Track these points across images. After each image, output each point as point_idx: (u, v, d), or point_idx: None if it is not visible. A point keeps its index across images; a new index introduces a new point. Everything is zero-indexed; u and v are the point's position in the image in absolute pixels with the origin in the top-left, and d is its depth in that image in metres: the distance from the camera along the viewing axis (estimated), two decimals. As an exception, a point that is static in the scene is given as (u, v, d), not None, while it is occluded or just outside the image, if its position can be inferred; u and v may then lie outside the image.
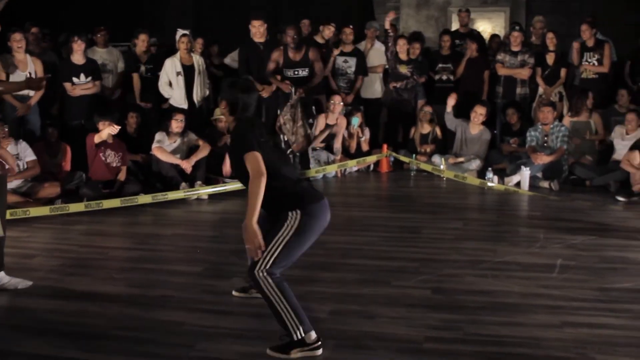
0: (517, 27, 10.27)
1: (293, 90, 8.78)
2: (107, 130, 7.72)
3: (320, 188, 8.66)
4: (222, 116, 8.86)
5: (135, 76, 9.39)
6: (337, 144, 9.59)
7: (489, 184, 8.48)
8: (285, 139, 8.79)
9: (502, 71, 9.95)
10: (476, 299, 4.60)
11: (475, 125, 9.49)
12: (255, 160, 3.69)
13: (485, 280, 5.00)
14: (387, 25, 9.86)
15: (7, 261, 5.49)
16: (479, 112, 9.41)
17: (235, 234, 6.50)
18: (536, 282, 4.95)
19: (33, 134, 8.45)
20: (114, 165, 7.93)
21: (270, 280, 3.64)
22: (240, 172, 3.87)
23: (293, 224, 3.72)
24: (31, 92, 8.37)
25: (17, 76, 8.22)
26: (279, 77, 8.97)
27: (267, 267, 3.65)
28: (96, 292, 4.84)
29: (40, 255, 5.81)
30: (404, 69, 9.88)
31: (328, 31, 10.03)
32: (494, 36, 11.31)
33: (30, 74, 8.07)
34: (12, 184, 7.40)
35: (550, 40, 9.74)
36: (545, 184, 8.47)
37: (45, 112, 8.84)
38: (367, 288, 4.83)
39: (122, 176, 7.95)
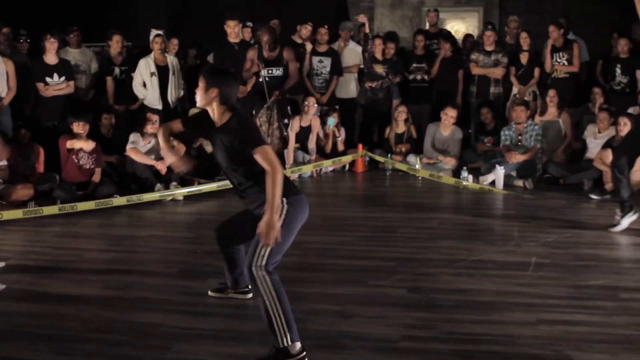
0: (490, 27, 10.34)
1: (264, 72, 8.70)
2: (81, 144, 7.66)
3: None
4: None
5: (109, 79, 9.31)
6: (312, 144, 9.60)
7: (464, 183, 8.53)
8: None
9: (475, 70, 10.02)
10: (452, 298, 4.63)
11: (446, 126, 9.51)
12: (268, 154, 3.63)
13: (461, 279, 5.02)
14: (367, 29, 9.89)
15: (-20, 264, 5.45)
16: (450, 115, 9.43)
17: (211, 235, 6.51)
18: (511, 280, 4.98)
19: (5, 136, 8.33)
20: (88, 167, 7.86)
21: (268, 280, 3.59)
22: (239, 167, 3.83)
23: (279, 215, 3.65)
24: (3, 93, 8.29)
25: (-11, 76, 8.16)
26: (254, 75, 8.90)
27: (264, 262, 3.60)
28: (71, 295, 4.80)
29: (14, 257, 5.73)
30: (379, 69, 9.90)
31: (305, 30, 10.02)
32: (467, 36, 11.37)
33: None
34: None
35: (524, 40, 9.82)
36: (519, 183, 8.54)
37: (17, 113, 8.74)
38: (343, 288, 4.84)
39: (96, 178, 7.89)
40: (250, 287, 4.04)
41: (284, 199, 3.68)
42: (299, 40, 9.99)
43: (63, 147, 7.75)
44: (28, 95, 8.98)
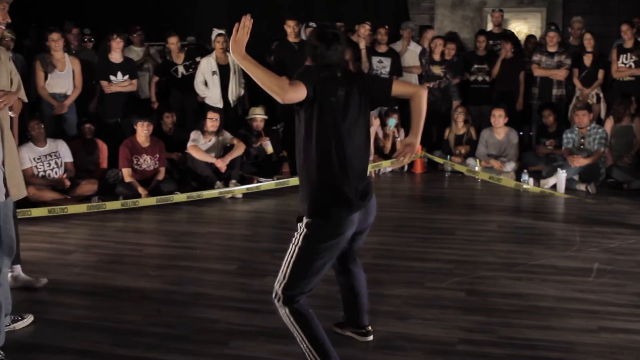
0: (553, 28, 10.15)
1: None
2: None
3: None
4: (257, 115, 8.90)
5: (156, 78, 9.51)
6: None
7: (525, 186, 8.39)
8: None
9: (538, 72, 9.85)
10: (510, 302, 4.57)
11: (499, 128, 9.36)
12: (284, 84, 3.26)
13: (520, 283, 4.96)
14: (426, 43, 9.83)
15: (46, 256, 5.63)
16: (497, 115, 9.24)
17: (269, 233, 6.59)
18: (572, 285, 4.90)
19: (70, 132, 8.58)
20: (150, 169, 8.00)
21: (287, 313, 3.39)
22: None
23: (299, 236, 3.41)
24: (69, 91, 8.51)
25: (56, 75, 8.38)
26: None
27: (284, 283, 3.40)
28: (132, 289, 4.90)
29: (78, 251, 5.89)
30: (436, 70, 9.83)
31: (363, 30, 10.01)
32: (530, 37, 11.19)
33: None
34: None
35: (588, 41, 9.59)
36: (581, 187, 8.37)
37: (82, 110, 8.96)
38: (400, 289, 4.83)
39: (160, 176, 8.02)
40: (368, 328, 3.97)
41: (307, 220, 3.37)
42: (357, 40, 9.99)
43: (123, 154, 7.88)
44: (93, 92, 9.22)
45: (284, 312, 3.40)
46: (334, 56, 3.44)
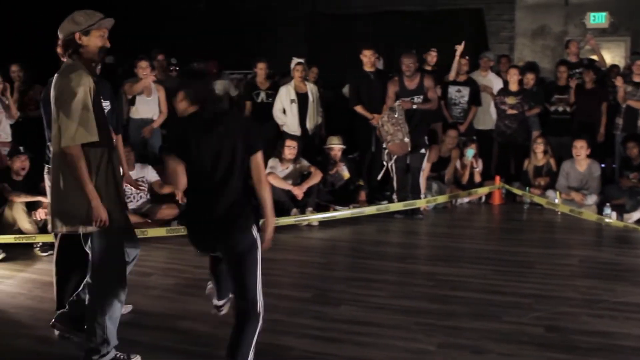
0: (638, 57, 9.90)
1: (410, 98, 8.59)
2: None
3: (431, 218, 8.58)
4: (334, 145, 8.89)
5: (248, 103, 9.65)
6: (449, 175, 9.50)
7: (607, 220, 8.16)
8: (381, 141, 8.66)
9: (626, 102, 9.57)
10: (592, 340, 4.44)
11: (580, 160, 9.11)
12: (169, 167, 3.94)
13: (603, 321, 4.81)
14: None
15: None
16: (579, 146, 8.98)
17: (344, 261, 6.59)
18: (657, 325, 4.73)
19: (154, 157, 8.80)
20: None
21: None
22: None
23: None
24: (155, 116, 8.76)
25: (142, 101, 8.63)
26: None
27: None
28: (208, 313, 4.95)
29: (157, 274, 6.02)
30: (511, 100, 9.70)
31: (430, 58, 10.01)
32: (613, 66, 10.94)
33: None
34: (133, 204, 7.75)
35: (674, 70, 9.32)
36: (667, 222, 8.09)
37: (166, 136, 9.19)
38: (477, 322, 4.75)
39: None
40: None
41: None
42: (429, 68, 9.95)
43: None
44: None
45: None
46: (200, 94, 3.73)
